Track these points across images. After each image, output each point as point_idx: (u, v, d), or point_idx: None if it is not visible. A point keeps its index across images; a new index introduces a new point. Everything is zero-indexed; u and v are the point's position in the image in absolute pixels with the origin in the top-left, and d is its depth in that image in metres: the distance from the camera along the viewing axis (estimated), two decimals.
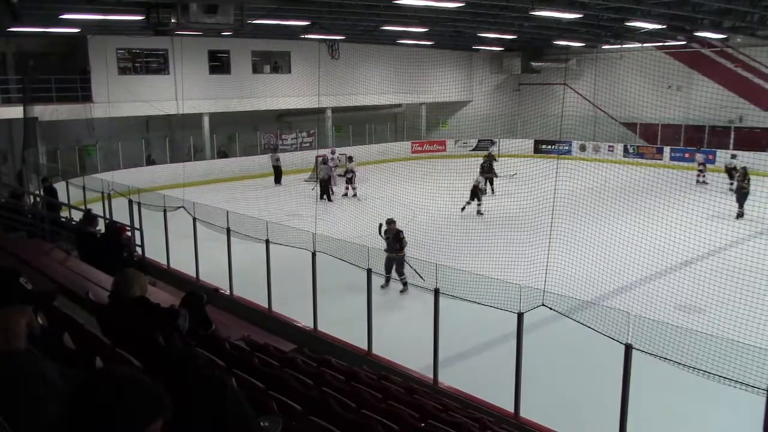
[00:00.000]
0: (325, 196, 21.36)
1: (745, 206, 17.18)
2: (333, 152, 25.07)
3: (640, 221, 15.94)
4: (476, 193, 18.91)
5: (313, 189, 21.79)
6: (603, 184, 18.96)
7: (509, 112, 31.96)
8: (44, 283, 6.22)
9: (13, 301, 2.23)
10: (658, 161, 27.54)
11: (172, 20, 14.70)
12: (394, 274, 11.74)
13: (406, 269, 11.27)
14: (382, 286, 11.81)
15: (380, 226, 12.34)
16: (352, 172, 22.17)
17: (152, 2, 14.67)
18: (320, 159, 23.74)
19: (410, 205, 19.41)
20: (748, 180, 17.32)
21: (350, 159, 22.56)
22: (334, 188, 22.40)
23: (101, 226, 12.31)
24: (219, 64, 26.33)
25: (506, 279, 7.54)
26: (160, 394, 1.64)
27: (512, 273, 11.69)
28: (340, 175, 24.51)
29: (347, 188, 22.16)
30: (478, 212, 18.73)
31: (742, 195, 17.35)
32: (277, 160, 25.19)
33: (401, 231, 12.12)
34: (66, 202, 14.65)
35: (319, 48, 25.08)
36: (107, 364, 3.02)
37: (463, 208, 18.58)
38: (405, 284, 11.54)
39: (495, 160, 23.51)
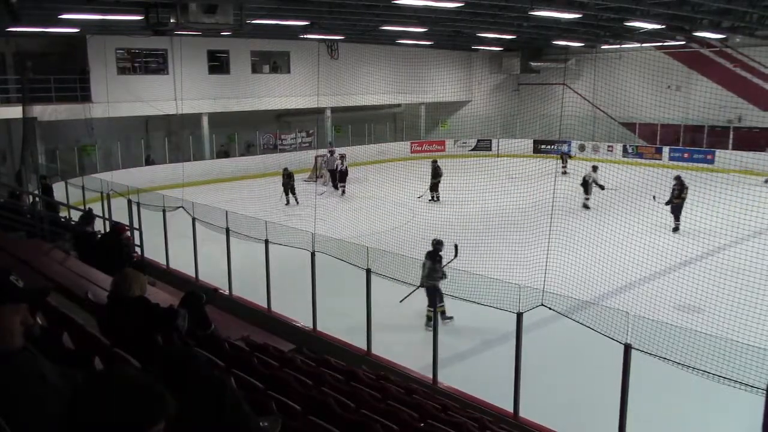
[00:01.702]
0: (331, 186, 22.85)
1: (682, 218, 16.16)
2: (332, 152, 25.18)
3: (639, 221, 15.95)
4: (587, 186, 19.10)
5: (280, 198, 20.93)
6: (602, 184, 19.01)
7: (508, 112, 31.98)
8: (42, 283, 6.21)
9: (4, 299, 2.22)
10: (657, 161, 27.55)
11: (172, 20, 14.70)
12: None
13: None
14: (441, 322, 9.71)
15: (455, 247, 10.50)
16: (341, 171, 23.06)
17: (151, 2, 14.66)
18: (322, 158, 24.02)
19: (409, 205, 19.45)
20: (686, 191, 16.23)
21: (341, 155, 23.46)
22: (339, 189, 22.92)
23: (99, 227, 12.35)
24: (218, 64, 26.32)
25: (505, 279, 7.53)
26: (163, 396, 1.64)
27: (511, 273, 11.72)
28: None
29: (341, 186, 22.71)
30: (585, 206, 18.83)
31: (677, 207, 16.26)
32: (332, 153, 26.65)
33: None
34: (65, 202, 14.65)
35: (319, 48, 25.09)
36: (108, 364, 3.02)
37: (586, 206, 18.85)
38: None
39: (570, 157, 23.96)
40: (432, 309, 9.36)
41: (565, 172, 24.77)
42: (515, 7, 17.29)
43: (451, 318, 10.16)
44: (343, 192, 22.57)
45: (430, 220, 16.27)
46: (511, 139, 30.68)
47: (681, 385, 6.87)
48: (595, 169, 19.61)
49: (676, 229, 16.11)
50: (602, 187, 18.89)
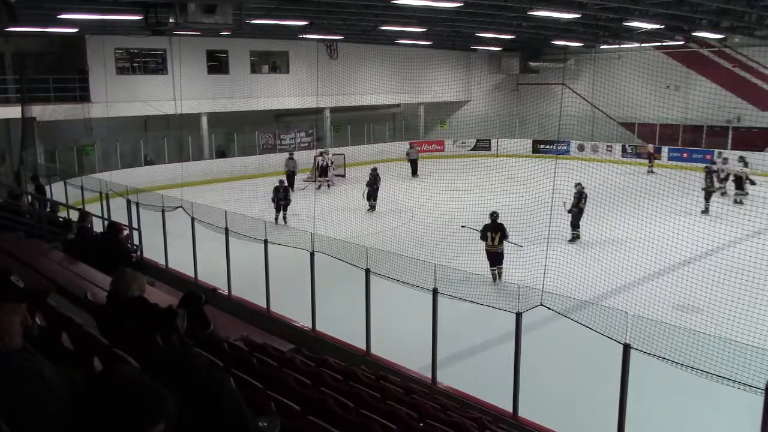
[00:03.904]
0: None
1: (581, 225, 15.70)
2: (327, 152, 25.29)
3: (639, 221, 15.96)
4: (740, 182, 18.95)
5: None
6: (601, 184, 19.00)
7: (507, 112, 31.99)
8: (42, 284, 6.20)
9: (5, 299, 2.23)
10: (656, 161, 27.55)
11: (171, 20, 14.70)
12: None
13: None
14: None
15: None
16: (326, 166, 23.64)
17: (150, 2, 14.66)
18: (319, 159, 24.10)
19: (408, 205, 19.43)
20: (585, 199, 15.59)
21: (320, 154, 23.84)
22: (324, 183, 23.48)
23: (99, 228, 12.33)
24: (217, 64, 26.33)
25: (505, 279, 7.54)
26: (163, 396, 1.64)
27: (511, 273, 11.74)
28: (338, 175, 24.78)
29: (319, 181, 23.07)
30: (739, 201, 18.65)
31: (576, 216, 15.62)
32: (416, 152, 27.27)
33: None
34: (63, 202, 14.64)
35: (318, 48, 25.10)
36: (107, 365, 3.02)
37: (738, 202, 18.66)
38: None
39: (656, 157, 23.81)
40: (500, 266, 12.34)
41: (651, 171, 24.35)
42: (514, 7, 17.28)
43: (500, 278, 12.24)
44: (320, 186, 22.77)
45: (430, 220, 16.29)
46: (510, 139, 30.69)
47: (680, 384, 6.87)
48: (746, 164, 19.22)
49: (572, 239, 15.51)
50: (753, 183, 18.62)
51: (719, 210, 17.21)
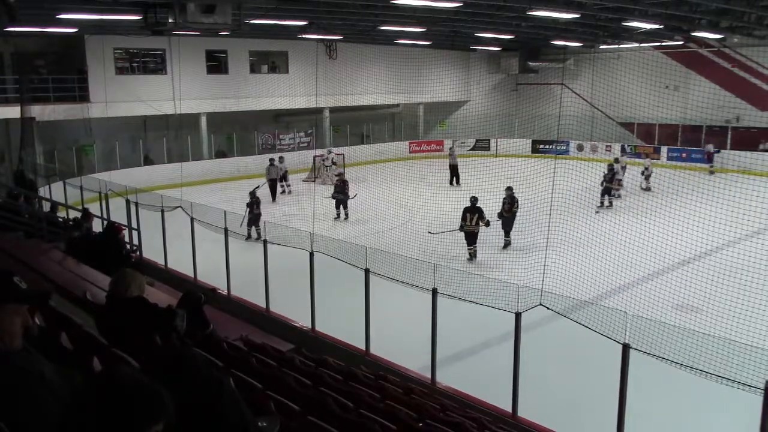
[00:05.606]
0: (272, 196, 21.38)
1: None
2: (330, 152, 25.26)
3: (638, 221, 15.98)
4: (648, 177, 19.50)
5: (241, 225, 15.98)
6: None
7: (507, 112, 32.00)
8: (41, 284, 6.21)
9: (7, 300, 2.23)
10: (656, 161, 27.51)
11: (170, 20, 14.70)
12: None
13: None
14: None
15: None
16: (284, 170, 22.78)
17: (150, 2, 14.66)
18: (320, 158, 23.99)
19: (408, 205, 19.44)
20: (517, 205, 14.86)
21: (281, 159, 22.67)
22: (286, 188, 22.77)
23: (99, 228, 12.33)
24: (216, 64, 26.32)
25: (504, 279, 7.54)
26: (162, 396, 1.64)
27: (510, 273, 11.74)
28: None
29: (282, 185, 22.39)
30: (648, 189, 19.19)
31: (508, 221, 14.93)
32: (454, 158, 24.64)
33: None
34: (62, 202, 14.64)
35: (317, 48, 25.09)
36: (106, 364, 3.02)
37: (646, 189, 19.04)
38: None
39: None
40: (475, 246, 13.85)
41: (712, 172, 23.45)
42: (513, 7, 17.28)
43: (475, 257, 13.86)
44: (283, 191, 22.40)
45: (429, 220, 16.27)
46: (509, 139, 30.70)
47: (680, 384, 6.87)
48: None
49: (506, 246, 14.84)
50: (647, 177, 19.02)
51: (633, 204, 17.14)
